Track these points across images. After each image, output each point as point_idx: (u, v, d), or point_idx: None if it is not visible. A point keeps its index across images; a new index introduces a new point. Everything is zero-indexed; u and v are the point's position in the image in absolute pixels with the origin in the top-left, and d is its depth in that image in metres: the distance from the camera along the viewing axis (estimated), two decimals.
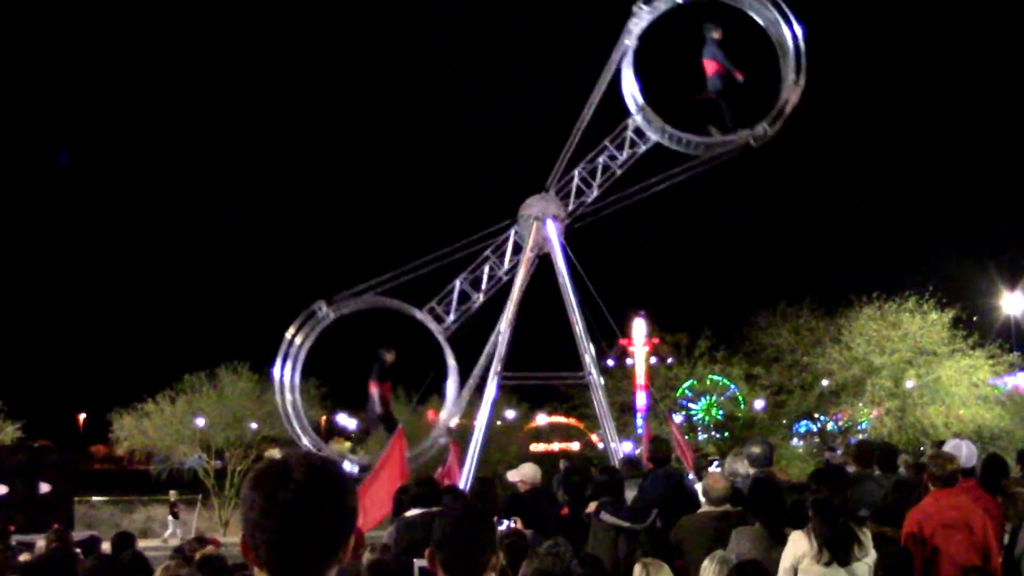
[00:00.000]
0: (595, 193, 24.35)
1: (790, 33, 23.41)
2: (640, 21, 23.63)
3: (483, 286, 24.37)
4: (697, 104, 23.69)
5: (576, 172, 24.35)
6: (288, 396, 23.94)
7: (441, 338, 24.10)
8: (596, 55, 24.09)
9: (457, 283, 24.31)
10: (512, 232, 24.43)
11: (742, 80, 23.04)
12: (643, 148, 24.01)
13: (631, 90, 23.76)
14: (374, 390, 23.37)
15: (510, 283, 24.27)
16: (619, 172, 24.25)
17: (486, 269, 24.38)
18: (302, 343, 24.07)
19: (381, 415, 23.47)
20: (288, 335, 23.93)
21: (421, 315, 24.22)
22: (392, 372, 23.88)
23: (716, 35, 23.15)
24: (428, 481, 12.29)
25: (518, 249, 24.37)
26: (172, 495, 39.95)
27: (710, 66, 22.94)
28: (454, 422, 24.95)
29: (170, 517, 38.29)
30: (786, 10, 23.42)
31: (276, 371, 24.10)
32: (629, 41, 23.60)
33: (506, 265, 24.40)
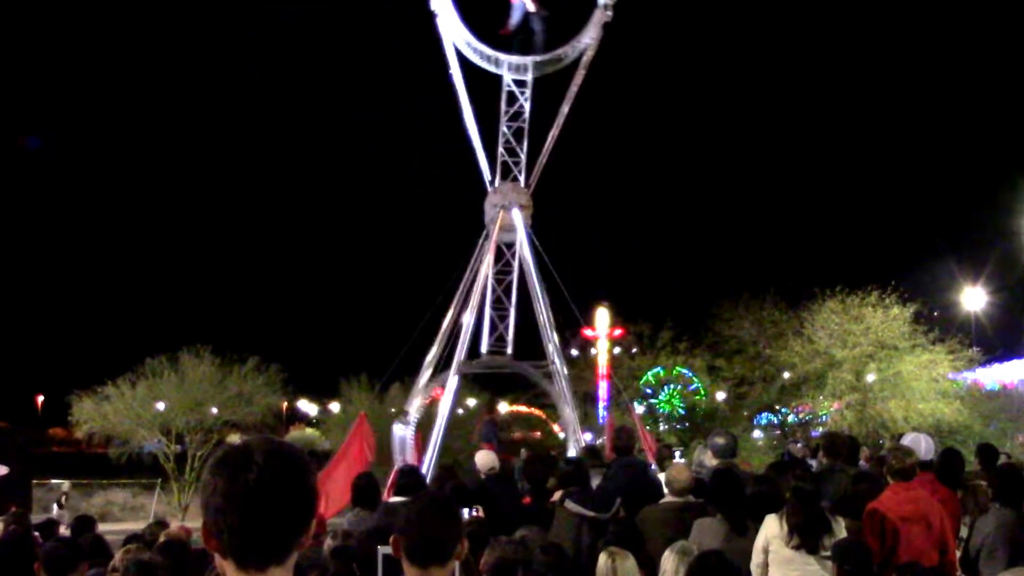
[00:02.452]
0: (524, 152, 24.59)
1: None
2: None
3: (504, 299, 24.60)
4: (508, 38, 24.15)
5: (499, 152, 24.53)
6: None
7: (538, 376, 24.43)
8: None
9: (488, 312, 24.51)
10: (484, 235, 24.54)
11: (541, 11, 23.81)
12: (528, 90, 24.34)
13: (470, 45, 24.13)
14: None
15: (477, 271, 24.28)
16: (527, 124, 24.54)
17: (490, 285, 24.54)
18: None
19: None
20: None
21: (485, 363, 24.49)
22: (502, 428, 24.00)
23: None
24: (412, 471, 12.34)
25: (508, 247, 24.55)
26: (65, 485, 39.39)
27: None
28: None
29: (55, 506, 37.23)
30: None
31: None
32: (442, 24, 23.92)
33: (499, 264, 24.59)
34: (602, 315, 48.74)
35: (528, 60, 24.06)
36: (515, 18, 23.84)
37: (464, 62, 24.42)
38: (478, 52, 24.24)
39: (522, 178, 24.57)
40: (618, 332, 48.14)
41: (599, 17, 24.33)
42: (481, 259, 24.10)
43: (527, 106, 24.56)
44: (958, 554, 9.43)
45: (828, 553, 7.93)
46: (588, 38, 24.50)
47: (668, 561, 7.83)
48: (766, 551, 8.29)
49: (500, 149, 24.63)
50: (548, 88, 25.01)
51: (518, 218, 23.97)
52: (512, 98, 24.50)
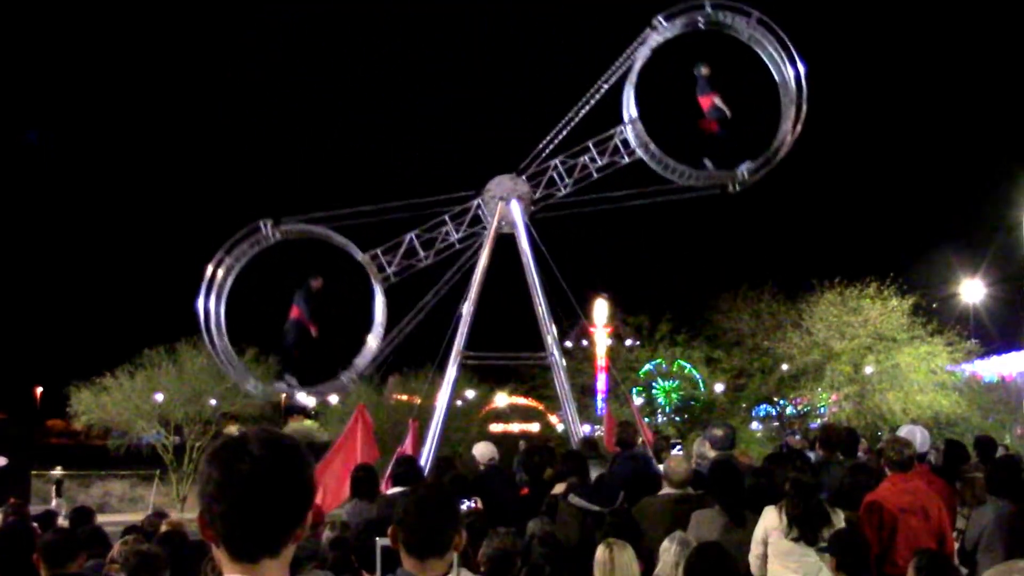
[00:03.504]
0: (567, 189, 24.18)
1: (792, 73, 23.15)
2: (659, 37, 23.36)
3: (434, 247, 23.95)
4: (700, 133, 23.56)
5: (554, 163, 24.12)
6: (213, 330, 23.01)
7: (378, 288, 23.56)
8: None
9: (409, 236, 23.88)
10: (475, 204, 24.22)
11: (729, 115, 22.94)
12: (625, 160, 23.83)
13: (628, 100, 23.50)
14: (294, 315, 22.99)
15: (461, 253, 24.06)
16: (595, 175, 24.05)
17: (441, 232, 24.01)
18: (232, 265, 23.35)
19: (294, 341, 23.11)
20: (221, 251, 23.07)
21: (363, 258, 23.64)
22: (316, 300, 23.19)
23: (705, 71, 22.99)
24: (408, 461, 12.36)
25: (476, 221, 24.15)
26: (57, 472, 39.27)
27: (705, 102, 22.94)
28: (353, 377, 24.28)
29: (53, 495, 36.75)
30: (791, 48, 23.14)
31: (200, 301, 22.86)
32: (641, 53, 23.32)
33: (461, 233, 24.02)
34: (600, 307, 48.75)
35: (642, 138, 23.48)
36: (713, 115, 23.23)
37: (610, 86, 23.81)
38: (630, 93, 23.58)
39: (540, 193, 24.27)
40: (606, 329, 48.19)
41: (718, 176, 23.55)
42: (480, 252, 24.01)
43: (602, 163, 24.03)
44: (955, 546, 9.45)
45: (827, 545, 7.94)
46: (692, 179, 23.72)
47: (668, 551, 7.84)
48: (765, 543, 8.31)
49: (558, 165, 24.14)
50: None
51: (516, 211, 23.91)
52: (607, 149, 23.99)
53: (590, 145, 24.02)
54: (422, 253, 23.88)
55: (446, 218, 23.99)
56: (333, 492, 14.93)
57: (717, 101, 22.84)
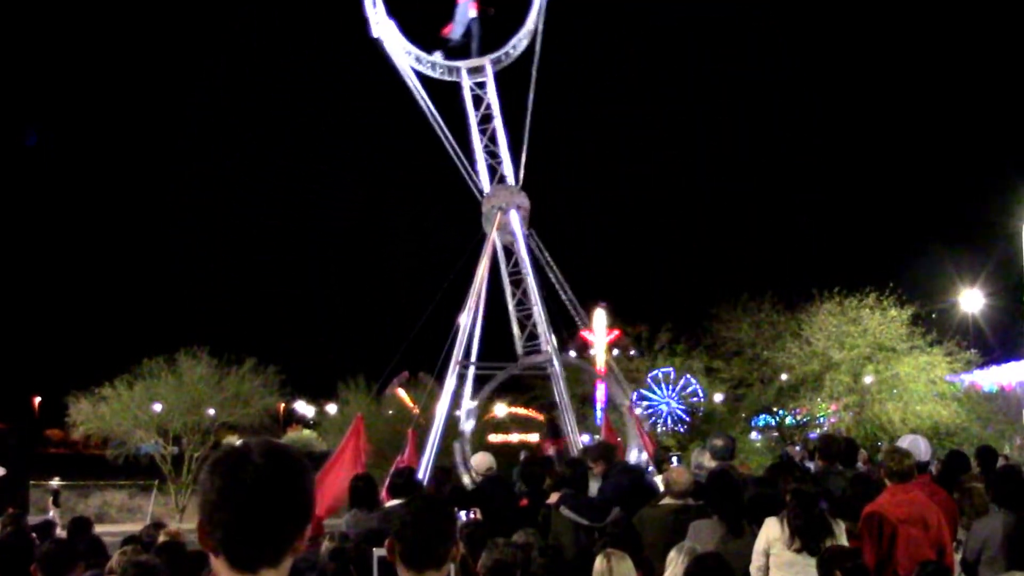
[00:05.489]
0: (506, 150, 24.67)
1: None
2: None
3: (525, 299, 24.29)
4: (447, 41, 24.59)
5: (481, 156, 24.77)
6: None
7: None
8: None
9: (512, 312, 24.30)
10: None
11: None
12: (490, 88, 24.59)
13: (422, 60, 24.59)
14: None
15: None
16: (499, 122, 24.62)
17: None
18: None
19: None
20: None
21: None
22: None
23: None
24: (405, 472, 12.34)
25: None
26: (55, 482, 39.17)
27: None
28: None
29: (51, 506, 36.20)
30: None
31: None
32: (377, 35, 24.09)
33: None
34: (600, 316, 48.74)
35: (485, 60, 24.06)
36: (458, 23, 23.94)
37: (421, 79, 24.41)
38: (432, 65, 24.28)
39: (510, 176, 24.37)
40: (615, 334, 48.14)
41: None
42: (480, 261, 23.99)
43: (495, 104, 24.44)
44: (956, 556, 9.42)
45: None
46: (532, 23, 24.56)
47: (674, 562, 7.80)
48: (767, 554, 8.27)
49: (481, 154, 24.46)
50: (508, 83, 24.89)
51: (515, 220, 23.91)
52: (478, 101, 24.40)
53: (469, 114, 24.56)
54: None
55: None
56: (328, 502, 14.93)
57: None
